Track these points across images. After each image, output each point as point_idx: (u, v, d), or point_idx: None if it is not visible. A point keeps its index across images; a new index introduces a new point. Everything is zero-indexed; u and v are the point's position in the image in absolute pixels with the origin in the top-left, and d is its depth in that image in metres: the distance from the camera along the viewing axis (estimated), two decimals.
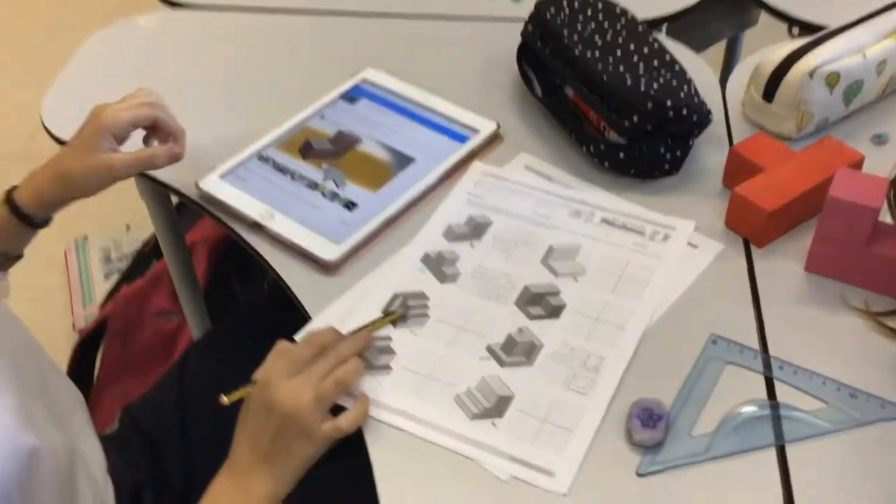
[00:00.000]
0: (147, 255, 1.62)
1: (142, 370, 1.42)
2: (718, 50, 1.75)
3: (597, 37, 1.01)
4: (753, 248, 0.90)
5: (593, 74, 0.96)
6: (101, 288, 1.92)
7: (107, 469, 0.90)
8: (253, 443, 0.76)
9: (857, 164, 0.91)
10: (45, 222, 0.94)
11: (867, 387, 0.78)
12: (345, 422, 0.77)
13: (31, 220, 0.93)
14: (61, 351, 1.55)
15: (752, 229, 0.90)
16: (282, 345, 0.81)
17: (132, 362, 1.44)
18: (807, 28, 1.17)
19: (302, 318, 0.86)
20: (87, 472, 0.83)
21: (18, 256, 0.96)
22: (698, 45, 1.59)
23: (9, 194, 0.92)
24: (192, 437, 1.02)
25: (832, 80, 0.96)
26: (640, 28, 1.02)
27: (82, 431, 0.87)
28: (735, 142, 1.00)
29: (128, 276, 1.61)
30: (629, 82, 0.94)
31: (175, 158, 0.94)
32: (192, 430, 1.03)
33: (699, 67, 1.11)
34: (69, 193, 0.92)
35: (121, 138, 0.92)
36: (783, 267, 0.88)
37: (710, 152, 1.00)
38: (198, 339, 1.25)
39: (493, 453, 0.75)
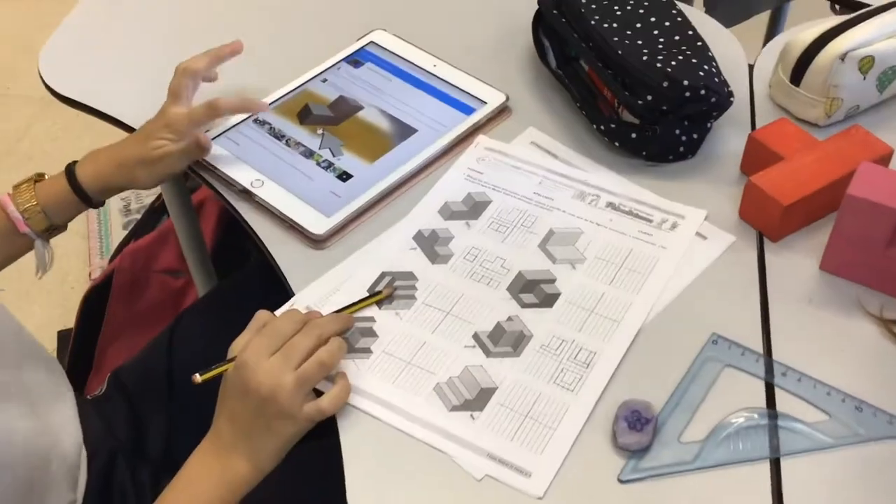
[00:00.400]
0: (158, 209, 1.60)
1: (147, 327, 1.40)
2: (762, 25, 1.67)
3: (616, 7, 0.95)
4: (767, 242, 0.85)
5: (607, 47, 0.90)
6: (120, 238, 1.92)
7: (83, 439, 0.88)
8: (233, 420, 0.74)
9: (886, 158, 0.85)
10: (101, 203, 0.95)
11: (875, 400, 0.73)
12: (326, 402, 0.74)
13: (90, 200, 0.93)
14: (78, 300, 1.55)
15: (766, 222, 0.84)
16: (260, 318, 0.78)
17: (137, 319, 1.43)
18: (850, 5, 1.09)
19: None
20: (59, 452, 0.81)
21: (63, 228, 0.96)
22: (736, 18, 1.51)
23: (70, 169, 0.92)
24: (177, 405, 1.00)
25: (866, 64, 0.89)
26: None
27: (58, 409, 0.86)
28: (759, 126, 0.94)
29: (138, 231, 1.59)
30: (645, 58, 0.89)
31: (203, 148, 0.91)
32: (178, 398, 1.01)
33: (728, 44, 1.04)
34: (130, 183, 0.93)
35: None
36: (797, 264, 0.83)
37: (730, 136, 0.94)
38: (192, 304, 1.23)
39: (468, 448, 0.71)
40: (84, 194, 0.92)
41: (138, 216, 1.93)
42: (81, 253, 1.99)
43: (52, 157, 2.13)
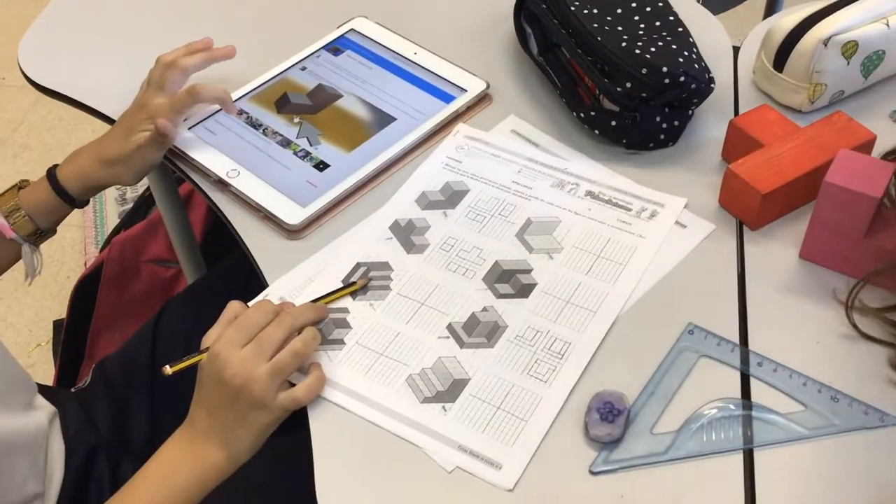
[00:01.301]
0: (149, 199, 1.59)
1: (138, 318, 1.40)
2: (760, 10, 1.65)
3: None
4: (747, 231, 0.84)
5: (586, 34, 0.89)
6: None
7: (62, 434, 0.88)
8: (208, 410, 0.74)
9: (868, 145, 0.83)
10: (85, 203, 0.94)
11: (851, 390, 0.72)
12: (301, 392, 0.73)
13: (73, 201, 0.93)
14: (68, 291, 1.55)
15: (745, 211, 0.83)
16: (232, 309, 0.77)
17: (128, 309, 1.43)
18: None
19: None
20: (22, 451, 0.81)
21: (52, 232, 0.96)
22: (730, 2, 1.49)
23: (51, 172, 0.92)
24: (160, 396, 1.00)
25: (849, 49, 0.87)
26: None
27: (23, 409, 0.86)
28: (742, 113, 0.92)
29: (128, 221, 1.59)
30: (624, 44, 0.87)
31: (162, 131, 0.89)
32: (161, 389, 1.00)
33: (712, 29, 1.03)
34: (112, 180, 0.92)
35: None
36: (776, 253, 0.82)
37: (713, 123, 0.93)
38: (176, 294, 1.23)
39: (440, 441, 0.71)
40: (67, 195, 0.92)
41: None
42: (77, 243, 1.98)
43: (48, 147, 2.13)
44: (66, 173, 0.92)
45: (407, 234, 0.85)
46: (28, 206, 0.92)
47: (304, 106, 0.96)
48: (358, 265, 0.83)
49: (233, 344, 0.73)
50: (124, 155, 0.90)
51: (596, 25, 0.90)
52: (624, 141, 0.90)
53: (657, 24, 0.91)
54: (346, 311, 0.80)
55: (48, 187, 0.91)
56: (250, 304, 0.80)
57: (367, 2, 1.09)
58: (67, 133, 2.16)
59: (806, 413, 0.71)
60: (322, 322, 0.79)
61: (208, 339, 0.76)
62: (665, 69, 0.85)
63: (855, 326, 0.75)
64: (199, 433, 0.74)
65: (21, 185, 0.94)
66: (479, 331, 0.78)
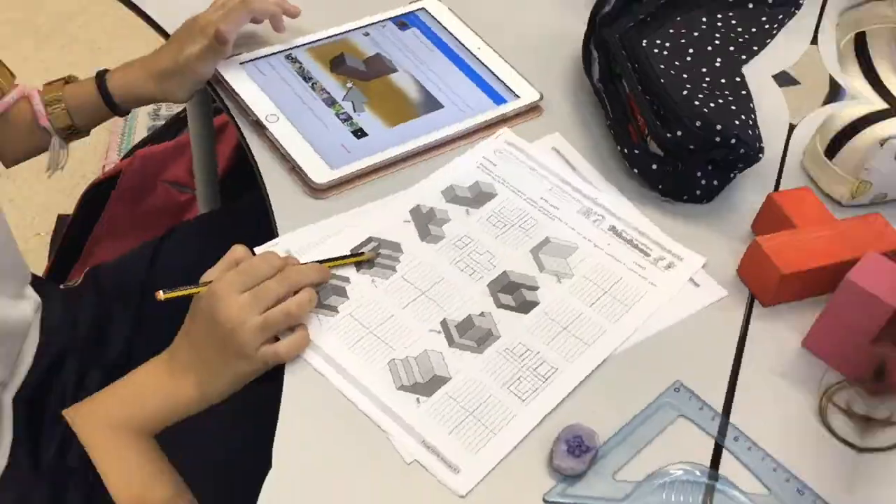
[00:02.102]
0: (182, 119, 1.59)
1: (142, 233, 1.40)
2: None
3: (674, 31, 0.93)
4: (757, 305, 0.83)
5: (651, 72, 0.88)
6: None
7: (40, 326, 0.88)
8: (193, 345, 0.74)
9: None
10: (127, 111, 0.95)
11: (819, 488, 0.71)
12: (283, 348, 0.73)
13: (116, 107, 0.93)
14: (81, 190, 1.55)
15: (761, 285, 0.83)
16: (235, 252, 0.77)
17: (135, 222, 1.43)
18: None
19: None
20: (2, 338, 0.81)
21: (85, 133, 0.96)
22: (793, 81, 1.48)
23: (101, 75, 0.93)
24: (146, 315, 1.00)
25: None
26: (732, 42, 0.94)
27: (12, 298, 0.87)
28: (782, 189, 0.92)
29: (156, 137, 1.59)
30: (686, 92, 0.87)
31: (222, 37, 0.89)
32: (148, 309, 1.00)
33: (775, 100, 1.02)
34: (160, 94, 0.93)
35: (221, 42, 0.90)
36: (780, 335, 0.81)
37: (751, 191, 0.92)
38: (188, 220, 1.23)
39: (406, 430, 0.71)
40: (111, 100, 0.92)
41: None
42: (101, 146, 1.99)
43: (96, 45, 2.13)
44: (115, 80, 0.92)
45: (425, 222, 0.85)
46: (70, 101, 0.92)
47: (357, 70, 0.96)
48: (370, 239, 0.83)
49: (233, 287, 0.73)
50: (178, 67, 0.90)
51: (663, 67, 0.89)
52: (660, 187, 0.90)
53: (722, 80, 0.90)
54: (346, 280, 0.80)
55: (94, 88, 0.92)
56: (256, 250, 0.80)
57: None
58: (122, 39, 2.16)
59: (769, 498, 0.71)
60: (322, 285, 0.78)
61: (207, 276, 0.76)
62: (719, 127, 0.84)
63: (825, 424, 0.75)
64: (178, 366, 0.74)
65: (68, 80, 0.94)
66: (471, 334, 0.77)
